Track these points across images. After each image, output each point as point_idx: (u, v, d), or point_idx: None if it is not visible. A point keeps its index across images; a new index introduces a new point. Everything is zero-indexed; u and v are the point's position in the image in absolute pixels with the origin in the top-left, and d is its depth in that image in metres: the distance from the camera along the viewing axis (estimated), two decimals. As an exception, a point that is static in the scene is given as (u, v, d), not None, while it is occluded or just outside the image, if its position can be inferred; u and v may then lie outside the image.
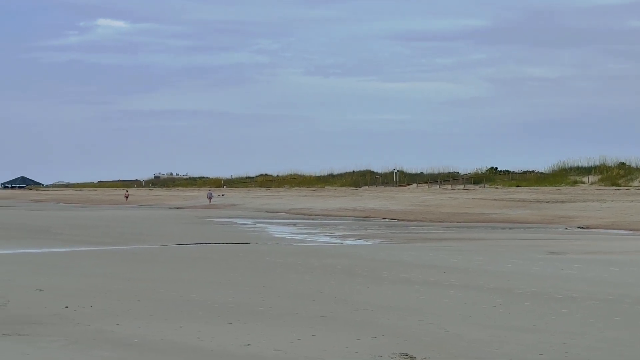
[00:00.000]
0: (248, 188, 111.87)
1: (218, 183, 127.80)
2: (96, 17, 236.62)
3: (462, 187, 78.24)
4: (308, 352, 8.50)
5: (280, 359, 8.26)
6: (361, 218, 51.10)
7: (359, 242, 28.20)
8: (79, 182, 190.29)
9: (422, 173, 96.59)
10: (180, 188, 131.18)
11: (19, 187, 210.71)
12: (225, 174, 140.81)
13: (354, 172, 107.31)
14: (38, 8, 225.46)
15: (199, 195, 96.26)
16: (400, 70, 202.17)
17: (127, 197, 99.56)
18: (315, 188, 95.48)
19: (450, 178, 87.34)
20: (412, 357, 8.25)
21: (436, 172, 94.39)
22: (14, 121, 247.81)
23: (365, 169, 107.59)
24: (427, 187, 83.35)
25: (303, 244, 26.37)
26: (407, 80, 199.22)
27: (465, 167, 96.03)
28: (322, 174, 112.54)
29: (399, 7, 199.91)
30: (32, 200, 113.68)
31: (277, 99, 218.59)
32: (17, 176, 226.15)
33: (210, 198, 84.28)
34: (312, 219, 49.72)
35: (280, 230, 35.96)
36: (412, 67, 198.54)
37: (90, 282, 14.36)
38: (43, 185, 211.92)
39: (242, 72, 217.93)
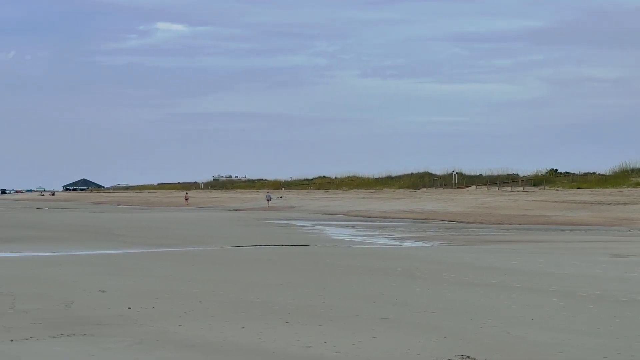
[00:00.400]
0: (306, 190, 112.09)
1: (276, 185, 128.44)
2: (156, 21, 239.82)
3: (521, 189, 77.51)
4: (369, 353, 8.49)
5: (342, 360, 8.26)
6: (420, 220, 50.90)
7: (418, 244, 28.10)
8: (138, 184, 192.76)
9: (480, 175, 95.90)
10: (239, 190, 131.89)
11: (80, 189, 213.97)
12: (283, 176, 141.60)
13: (412, 174, 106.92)
14: (98, 12, 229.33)
15: (258, 197, 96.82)
16: (458, 71, 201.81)
17: (186, 200, 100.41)
18: (373, 190, 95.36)
19: (510, 180, 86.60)
20: (474, 360, 8.20)
21: (495, 174, 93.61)
22: (75, 124, 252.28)
23: (423, 170, 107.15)
24: (486, 189, 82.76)
25: (362, 246, 26.35)
26: (465, 81, 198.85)
27: (525, 168, 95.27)
28: (380, 176, 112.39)
29: (456, 8, 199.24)
30: (93, 203, 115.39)
31: (334, 101, 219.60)
32: (79, 178, 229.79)
33: (268, 200, 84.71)
34: (371, 221, 49.66)
35: (339, 232, 35.97)
36: (470, 69, 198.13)
37: (151, 283, 14.51)
38: (104, 187, 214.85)
39: (299, 75, 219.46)
